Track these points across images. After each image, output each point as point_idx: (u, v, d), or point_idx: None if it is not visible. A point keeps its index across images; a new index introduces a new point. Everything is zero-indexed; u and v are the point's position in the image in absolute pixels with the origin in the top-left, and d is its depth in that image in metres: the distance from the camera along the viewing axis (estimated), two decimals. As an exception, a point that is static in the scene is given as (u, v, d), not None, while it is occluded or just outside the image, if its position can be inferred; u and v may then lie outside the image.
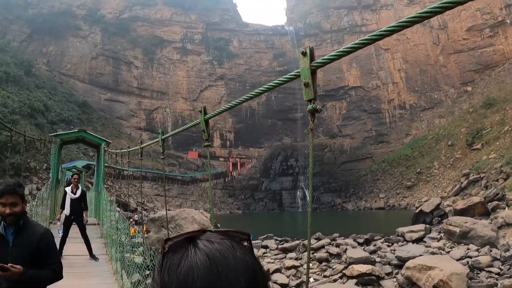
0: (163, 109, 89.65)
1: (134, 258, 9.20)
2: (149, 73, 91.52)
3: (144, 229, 22.31)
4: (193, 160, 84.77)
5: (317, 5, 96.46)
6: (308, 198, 75.32)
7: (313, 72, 1.93)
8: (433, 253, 14.85)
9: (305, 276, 14.65)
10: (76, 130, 19.78)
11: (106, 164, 21.11)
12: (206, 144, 3.37)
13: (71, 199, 10.49)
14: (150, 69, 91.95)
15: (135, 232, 22.49)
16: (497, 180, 40.09)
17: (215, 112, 3.33)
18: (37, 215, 11.29)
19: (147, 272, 9.12)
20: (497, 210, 24.35)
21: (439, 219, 25.15)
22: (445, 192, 51.60)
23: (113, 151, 16.45)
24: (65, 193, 10.75)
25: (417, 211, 27.88)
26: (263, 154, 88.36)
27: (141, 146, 6.85)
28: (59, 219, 10.42)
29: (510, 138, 49.36)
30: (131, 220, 32.45)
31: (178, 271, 0.70)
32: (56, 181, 16.93)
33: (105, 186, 40.12)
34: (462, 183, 47.87)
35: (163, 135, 4.96)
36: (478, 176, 45.65)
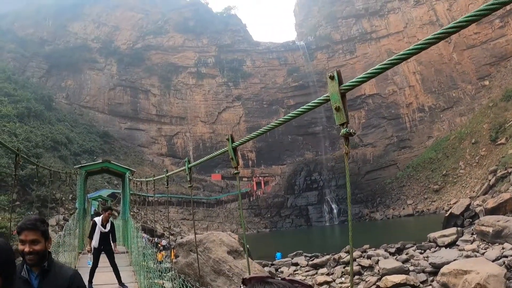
0: (183, 133, 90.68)
1: (163, 283, 9.18)
2: (167, 99, 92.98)
3: (173, 254, 22.33)
4: (216, 182, 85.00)
5: (325, 17, 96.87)
6: (335, 211, 74.60)
7: (343, 96, 1.91)
8: (467, 256, 14.35)
9: (338, 290, 14.36)
10: (101, 161, 20.06)
11: (131, 192, 21.37)
12: (235, 172, 3.34)
13: (101, 232, 10.59)
14: (168, 95, 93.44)
15: (162, 257, 22.52)
16: (526, 173, 38.86)
17: (242, 139, 3.30)
18: (65, 245, 11.41)
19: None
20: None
21: (470, 220, 24.42)
22: (473, 192, 50.09)
23: (139, 179, 16.62)
24: (95, 224, 10.65)
25: (447, 214, 27.14)
26: (286, 170, 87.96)
27: (167, 174, 6.91)
28: (89, 251, 10.43)
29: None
30: (159, 245, 32.54)
31: None
32: (83, 212, 17.17)
33: (131, 213, 40.52)
34: (490, 180, 46.48)
35: (189, 164, 4.88)
36: (506, 171, 44.13)
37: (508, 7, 72.03)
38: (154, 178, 9.28)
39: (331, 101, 1.93)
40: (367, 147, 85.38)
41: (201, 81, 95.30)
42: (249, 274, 3.11)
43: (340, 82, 1.91)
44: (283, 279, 0.92)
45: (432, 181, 65.57)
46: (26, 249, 2.73)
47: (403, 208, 65.68)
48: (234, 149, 3.18)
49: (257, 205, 79.95)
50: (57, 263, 3.06)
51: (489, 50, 75.20)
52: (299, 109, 2.44)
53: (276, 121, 2.67)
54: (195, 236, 6.57)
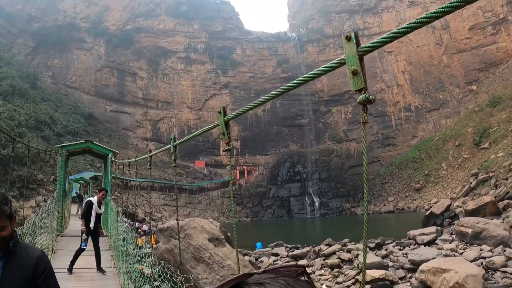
0: (168, 119, 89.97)
1: (143, 269, 9.06)
2: (154, 83, 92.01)
3: (153, 239, 22.18)
4: (200, 169, 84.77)
5: (319, 11, 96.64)
6: (316, 203, 74.70)
7: (361, 58, 1.78)
8: (446, 256, 14.56)
9: (317, 283, 14.43)
10: (83, 141, 19.63)
11: (113, 175, 21.06)
12: (227, 148, 3.05)
13: (96, 213, 10.37)
14: (155, 79, 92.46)
15: (142, 242, 22.36)
16: (507, 179, 39.67)
17: (237, 112, 2.95)
18: (45, 227, 11.15)
19: (157, 283, 8.95)
20: (508, 209, 24.02)
21: (450, 220, 24.84)
22: (454, 193, 51.07)
23: (121, 161, 16.37)
24: (91, 204, 10.32)
25: (427, 213, 27.54)
26: (270, 161, 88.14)
27: (150, 154, 6.54)
28: (84, 231, 10.02)
29: (515, 135, 48.86)
30: (140, 230, 32.35)
31: None
32: (63, 193, 16.74)
33: (113, 197, 40.12)
34: (471, 183, 47.41)
35: (175, 141, 4.62)
36: (487, 175, 45.18)
37: (501, 15, 73.04)
38: (136, 159, 9.04)
39: (347, 64, 1.79)
40: (351, 142, 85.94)
41: (189, 67, 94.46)
42: (238, 266, 2.91)
43: (358, 44, 1.79)
44: (265, 271, 0.72)
45: (414, 180, 66.46)
46: None
47: (384, 205, 66.48)
48: (226, 123, 2.93)
49: (239, 194, 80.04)
50: (23, 244, 2.83)
51: (479, 56, 76.17)
52: (311, 73, 2.24)
53: (280, 88, 2.47)
54: (178, 222, 6.39)
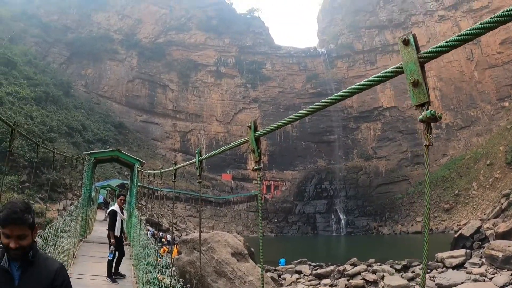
0: (197, 131, 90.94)
1: (163, 279, 8.97)
2: (184, 96, 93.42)
3: (176, 250, 22.15)
4: (226, 182, 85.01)
5: (348, 26, 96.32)
6: (342, 221, 73.52)
7: (422, 66, 1.54)
8: (475, 280, 13.90)
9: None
10: (111, 149, 19.90)
11: (139, 184, 21.25)
12: (256, 167, 2.74)
13: (121, 220, 10.46)
14: (185, 92, 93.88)
15: (164, 252, 22.38)
16: (540, 200, 37.94)
17: (269, 127, 2.65)
18: (68, 231, 11.24)
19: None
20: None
21: (480, 243, 23.84)
22: (484, 214, 49.02)
23: (146, 171, 16.50)
24: (115, 214, 10.32)
25: (456, 235, 26.54)
26: (297, 177, 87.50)
27: (175, 167, 6.53)
28: (114, 244, 9.96)
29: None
30: (163, 240, 32.50)
31: None
32: (88, 199, 16.90)
33: (139, 205, 40.51)
34: (502, 204, 45.33)
35: (200, 156, 4.50)
36: (520, 195, 43.27)
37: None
38: (161, 171, 9.07)
39: (406, 73, 1.55)
40: (380, 160, 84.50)
41: (219, 81, 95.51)
42: (262, 283, 2.73)
43: (418, 49, 1.55)
44: None
45: (443, 200, 64.46)
46: (12, 244, 2.45)
47: (412, 225, 64.70)
48: (257, 140, 2.65)
49: (265, 208, 79.59)
50: (42, 255, 2.76)
51: (511, 71, 73.78)
52: (366, 80, 1.98)
53: (319, 103, 2.29)
54: (200, 235, 6.29)
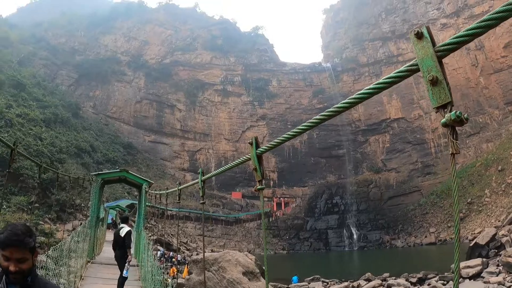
0: (206, 150, 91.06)
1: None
2: (192, 115, 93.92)
3: (186, 270, 21.87)
4: (236, 200, 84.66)
5: (352, 40, 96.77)
6: (355, 236, 72.64)
7: (441, 61, 1.38)
8: (495, 291, 13.47)
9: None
10: (118, 170, 19.85)
11: (148, 204, 21.11)
12: (259, 187, 2.55)
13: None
14: (193, 111, 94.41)
15: (173, 273, 22.10)
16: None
17: (271, 144, 2.52)
18: (75, 252, 11.09)
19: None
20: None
21: (496, 251, 23.25)
22: (499, 221, 48.03)
23: (153, 192, 16.40)
24: (130, 233, 10.58)
25: (471, 244, 25.96)
26: (307, 193, 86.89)
27: (179, 187, 6.45)
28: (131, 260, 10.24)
29: None
30: (174, 260, 32.22)
31: None
32: (96, 220, 16.76)
33: (149, 225, 40.33)
34: (516, 209, 44.65)
35: (203, 176, 4.32)
36: (533, 200, 42.45)
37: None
38: (167, 192, 8.97)
39: (422, 70, 1.38)
40: (390, 172, 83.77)
41: (226, 99, 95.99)
42: None
43: (434, 42, 1.40)
44: None
45: (456, 209, 63.32)
46: (12, 268, 2.36)
47: (425, 236, 63.64)
48: (259, 157, 2.48)
49: (276, 226, 78.92)
50: (42, 279, 2.65)
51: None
52: (383, 80, 1.76)
53: (318, 117, 2.14)
54: (204, 255, 6.10)
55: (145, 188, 16.04)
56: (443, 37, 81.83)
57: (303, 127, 2.35)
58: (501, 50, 75.25)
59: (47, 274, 7.23)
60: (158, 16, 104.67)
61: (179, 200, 6.60)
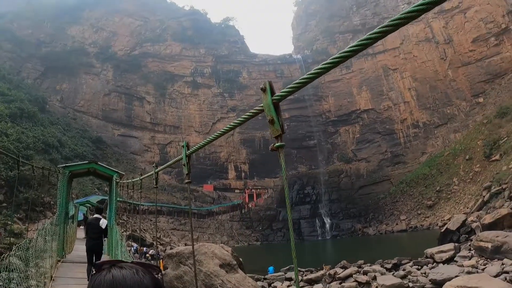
0: (176, 143, 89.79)
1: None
2: (161, 107, 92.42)
3: (161, 265, 21.44)
4: (208, 193, 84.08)
5: (322, 32, 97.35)
6: (327, 225, 73.77)
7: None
8: (469, 273, 13.77)
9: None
10: (87, 162, 18.99)
11: (119, 199, 20.44)
12: (186, 181, 2.87)
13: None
14: (162, 104, 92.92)
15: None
16: (521, 190, 38.58)
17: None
18: (45, 250, 10.38)
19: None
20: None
21: (467, 236, 24.12)
22: (467, 208, 49.72)
23: (125, 181, 15.81)
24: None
25: (443, 230, 26.70)
26: (279, 183, 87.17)
27: (156, 170, 6.21)
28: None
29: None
30: (147, 255, 31.69)
31: (93, 286, 0.99)
32: (65, 216, 15.79)
33: (121, 221, 39.47)
34: (484, 196, 46.13)
35: (188, 150, 4.15)
36: (500, 187, 43.86)
37: (503, 25, 72.87)
38: (141, 177, 8.61)
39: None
40: (361, 162, 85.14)
41: (196, 91, 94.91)
42: None
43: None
44: (133, 262, 1.08)
45: (425, 197, 65.23)
46: None
47: (397, 224, 65.16)
48: (276, 105, 2.23)
49: (249, 217, 78.99)
50: None
51: (484, 68, 75.64)
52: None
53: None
54: (192, 243, 5.83)
55: (115, 179, 15.41)
56: (413, 31, 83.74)
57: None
58: (469, 44, 77.55)
59: (19, 276, 6.76)
60: (127, 6, 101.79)
61: (156, 184, 6.33)
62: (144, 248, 34.70)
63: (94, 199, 47.33)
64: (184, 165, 3.97)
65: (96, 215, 10.66)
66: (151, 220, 60.34)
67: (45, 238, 10.80)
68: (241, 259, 13.18)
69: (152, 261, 25.94)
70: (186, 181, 3.97)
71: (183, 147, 4.12)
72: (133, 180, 11.45)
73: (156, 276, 1.07)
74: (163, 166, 6.10)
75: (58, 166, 17.42)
